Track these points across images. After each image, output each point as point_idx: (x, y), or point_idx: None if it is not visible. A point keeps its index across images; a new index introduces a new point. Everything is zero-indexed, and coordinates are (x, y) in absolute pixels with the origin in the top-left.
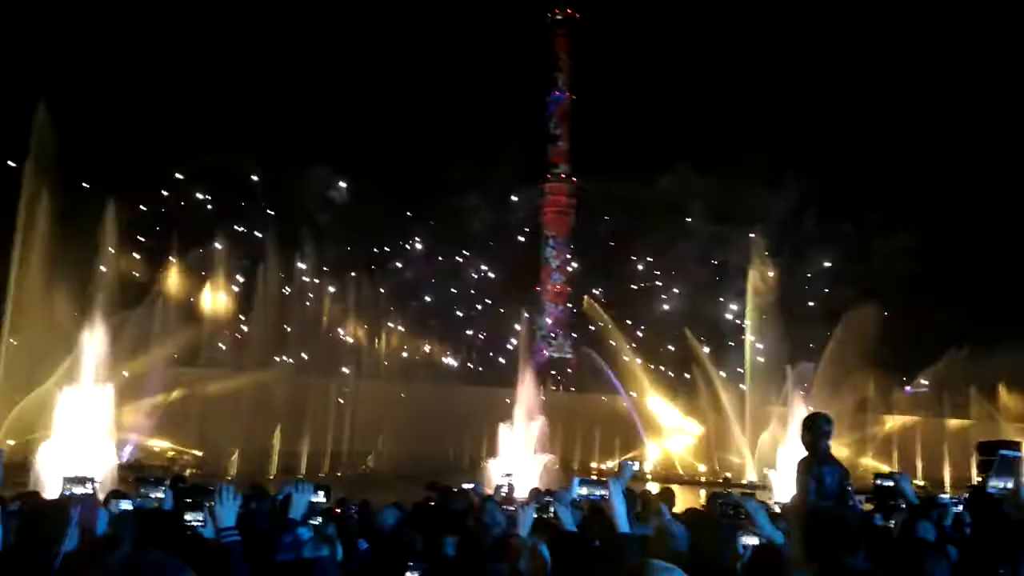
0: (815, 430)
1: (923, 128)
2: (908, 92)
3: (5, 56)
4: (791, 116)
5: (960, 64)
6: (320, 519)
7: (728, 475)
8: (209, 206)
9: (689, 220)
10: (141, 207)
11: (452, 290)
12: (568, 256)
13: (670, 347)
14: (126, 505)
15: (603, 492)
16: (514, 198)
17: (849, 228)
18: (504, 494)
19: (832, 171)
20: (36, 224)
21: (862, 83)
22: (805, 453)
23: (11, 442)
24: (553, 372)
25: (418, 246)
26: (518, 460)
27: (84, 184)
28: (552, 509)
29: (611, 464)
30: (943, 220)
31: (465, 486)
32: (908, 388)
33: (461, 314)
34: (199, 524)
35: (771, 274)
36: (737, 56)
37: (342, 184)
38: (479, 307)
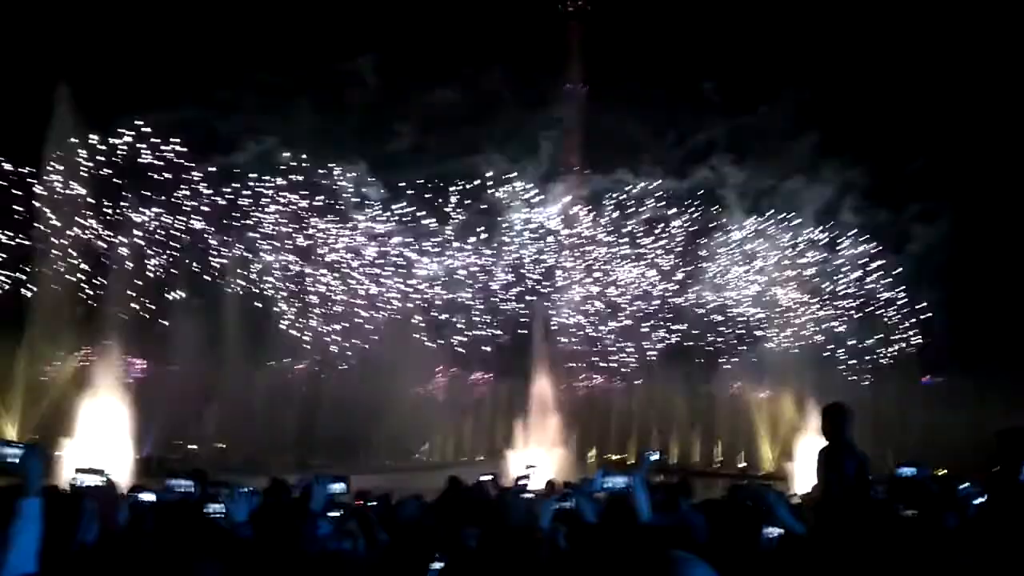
0: (834, 419)
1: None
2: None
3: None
4: (813, 106)
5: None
6: (341, 512)
7: (744, 465)
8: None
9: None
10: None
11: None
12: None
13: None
14: (147, 497)
15: (627, 482)
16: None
17: (866, 220)
18: (523, 485)
19: (850, 164)
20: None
21: (882, 75)
22: (824, 443)
23: (36, 437)
24: (567, 364)
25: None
26: (536, 452)
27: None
28: (571, 499)
29: (625, 455)
30: (976, 209)
31: (484, 478)
32: (925, 379)
33: (481, 307)
34: (220, 516)
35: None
36: (753, 46)
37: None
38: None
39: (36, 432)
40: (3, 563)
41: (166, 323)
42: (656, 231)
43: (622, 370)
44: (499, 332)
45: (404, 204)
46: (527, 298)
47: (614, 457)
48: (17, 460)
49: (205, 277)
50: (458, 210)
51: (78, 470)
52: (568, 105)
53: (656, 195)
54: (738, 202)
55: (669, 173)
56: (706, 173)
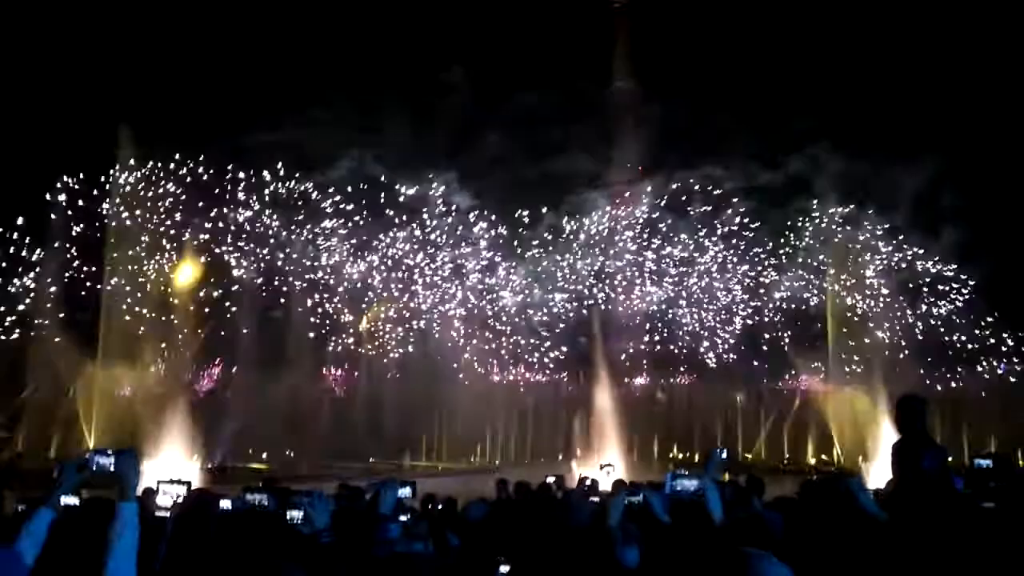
0: (909, 412)
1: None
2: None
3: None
4: (861, 98)
5: None
6: (410, 515)
7: (814, 461)
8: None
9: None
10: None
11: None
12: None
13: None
14: (222, 506)
15: (698, 485)
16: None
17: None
18: (588, 486)
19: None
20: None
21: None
22: (898, 437)
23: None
24: (627, 364)
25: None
26: (604, 453)
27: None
28: (640, 495)
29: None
30: None
31: (548, 479)
32: (1002, 368)
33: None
34: (299, 523)
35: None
36: (805, 42)
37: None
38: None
39: (112, 445)
40: (105, 568)
41: (235, 334)
42: (735, 225)
43: (688, 366)
44: (560, 333)
45: (486, 211)
46: (589, 298)
47: (680, 456)
48: (113, 467)
49: (276, 288)
50: (538, 215)
51: (160, 482)
52: (622, 102)
53: (732, 188)
54: (830, 191)
55: (755, 165)
56: (799, 163)
